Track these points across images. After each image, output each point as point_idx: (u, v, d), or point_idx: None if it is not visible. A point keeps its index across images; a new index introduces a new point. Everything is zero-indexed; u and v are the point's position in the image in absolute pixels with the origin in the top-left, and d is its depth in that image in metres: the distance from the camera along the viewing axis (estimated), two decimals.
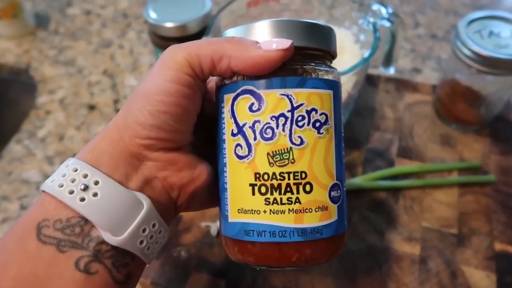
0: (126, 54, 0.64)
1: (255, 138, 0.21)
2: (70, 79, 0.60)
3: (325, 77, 0.22)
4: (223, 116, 0.22)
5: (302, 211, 0.21)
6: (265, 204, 0.21)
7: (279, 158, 0.21)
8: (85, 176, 0.20)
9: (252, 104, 0.21)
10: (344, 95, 0.39)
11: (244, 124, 0.21)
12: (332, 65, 0.24)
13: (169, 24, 0.44)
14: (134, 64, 0.63)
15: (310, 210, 0.21)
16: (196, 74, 0.22)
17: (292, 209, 0.21)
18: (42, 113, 0.56)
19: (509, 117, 0.48)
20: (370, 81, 0.53)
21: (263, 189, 0.21)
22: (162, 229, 0.22)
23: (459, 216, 0.40)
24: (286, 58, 0.21)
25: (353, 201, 0.41)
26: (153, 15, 0.45)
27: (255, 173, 0.21)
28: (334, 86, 0.22)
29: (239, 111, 0.22)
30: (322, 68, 0.22)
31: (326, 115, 0.22)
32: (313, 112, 0.21)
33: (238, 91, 0.22)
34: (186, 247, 0.38)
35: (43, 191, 0.21)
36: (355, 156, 0.45)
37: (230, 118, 0.22)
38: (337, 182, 0.22)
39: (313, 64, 0.22)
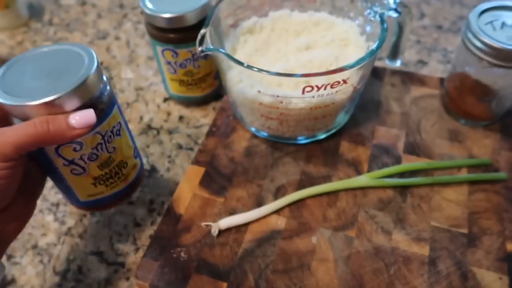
0: (122, 45, 0.62)
1: (85, 162, 0.32)
2: None
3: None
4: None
5: None
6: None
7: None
8: None
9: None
10: (349, 89, 0.37)
11: None
12: None
13: (166, 15, 0.42)
14: (130, 56, 0.61)
15: None
16: (9, 157, 0.27)
17: None
18: None
19: None
20: (375, 74, 0.51)
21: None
22: None
23: (469, 215, 0.38)
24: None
25: (359, 199, 0.40)
26: (149, 5, 0.43)
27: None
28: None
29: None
30: None
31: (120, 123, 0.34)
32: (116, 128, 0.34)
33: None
34: (186, 248, 0.37)
35: None
36: (361, 152, 0.43)
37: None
38: None
39: None
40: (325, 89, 0.35)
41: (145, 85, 0.57)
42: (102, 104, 0.31)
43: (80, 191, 0.34)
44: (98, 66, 0.30)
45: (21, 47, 0.63)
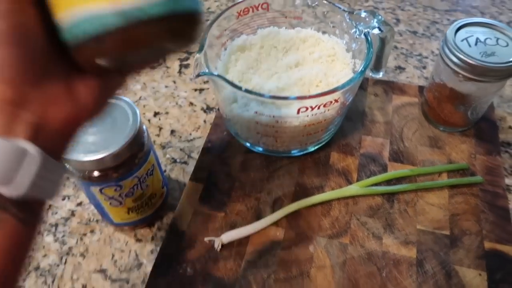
0: None
1: None
2: None
3: None
4: None
5: None
6: None
7: None
8: None
9: None
10: (340, 106, 0.40)
11: None
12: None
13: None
14: None
15: None
16: None
17: None
18: None
19: (492, 117, 0.50)
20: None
21: None
22: (55, 167, 0.21)
23: (450, 218, 0.42)
24: None
25: (350, 207, 0.42)
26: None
27: None
28: None
29: None
30: None
31: None
32: None
33: None
34: (191, 263, 0.38)
35: None
36: (350, 162, 0.46)
37: None
38: None
39: None
40: (318, 108, 0.37)
41: (134, 99, 0.57)
42: (142, 153, 0.37)
43: (115, 217, 0.41)
44: (141, 121, 0.36)
45: None
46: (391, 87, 0.54)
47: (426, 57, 0.63)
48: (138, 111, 0.37)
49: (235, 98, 0.41)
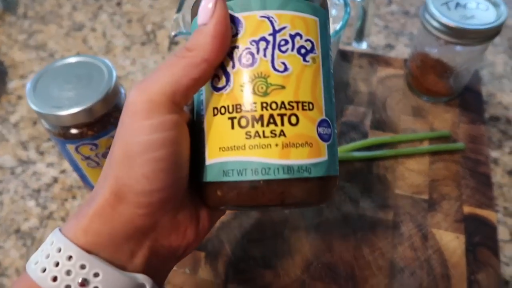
0: (99, 37, 0.63)
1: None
2: (42, 64, 0.59)
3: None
4: None
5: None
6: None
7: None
8: (83, 267, 0.17)
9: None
10: None
11: None
12: None
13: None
14: (107, 46, 0.62)
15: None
16: (180, 106, 0.19)
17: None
18: (14, 99, 0.55)
19: (477, 88, 0.49)
20: (344, 57, 0.53)
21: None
22: None
23: (430, 183, 0.41)
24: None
25: None
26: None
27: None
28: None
29: None
30: None
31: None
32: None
33: None
34: None
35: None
36: None
37: None
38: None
39: None
40: None
41: (123, 74, 0.58)
42: (118, 112, 0.37)
43: (94, 180, 0.41)
44: (117, 81, 0.37)
45: None
46: (376, 60, 0.53)
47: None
48: (114, 72, 0.37)
49: None
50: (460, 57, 0.43)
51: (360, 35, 0.48)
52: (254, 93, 0.19)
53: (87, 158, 0.38)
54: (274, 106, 0.19)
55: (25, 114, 0.53)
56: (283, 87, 0.19)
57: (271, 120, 0.19)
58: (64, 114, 0.34)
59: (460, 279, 0.35)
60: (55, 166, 0.48)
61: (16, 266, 0.40)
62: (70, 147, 0.37)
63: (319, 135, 0.20)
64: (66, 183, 0.46)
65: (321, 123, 0.20)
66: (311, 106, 0.19)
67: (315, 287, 0.35)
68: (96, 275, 0.17)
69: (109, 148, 0.38)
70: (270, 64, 0.19)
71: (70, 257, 0.17)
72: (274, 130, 0.19)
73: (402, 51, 0.61)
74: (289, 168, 0.19)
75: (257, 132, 0.19)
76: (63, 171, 0.47)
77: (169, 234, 0.20)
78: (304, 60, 0.19)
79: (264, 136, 0.19)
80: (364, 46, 0.49)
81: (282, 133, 0.19)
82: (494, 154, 0.46)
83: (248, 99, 0.19)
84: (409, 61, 0.49)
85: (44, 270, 0.17)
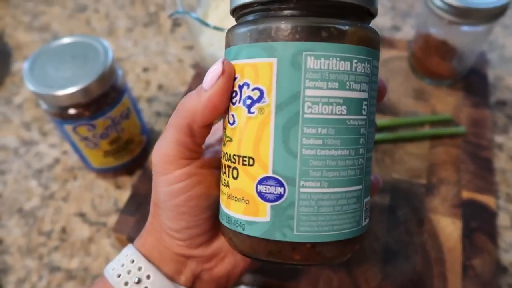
0: (102, 18, 0.63)
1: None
2: None
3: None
4: None
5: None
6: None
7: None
8: (139, 268, 0.22)
9: None
10: None
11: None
12: None
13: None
14: (110, 28, 0.62)
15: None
16: (188, 158, 0.21)
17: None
18: (18, 80, 0.55)
19: (483, 70, 0.48)
20: None
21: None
22: None
23: (428, 167, 0.40)
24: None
25: None
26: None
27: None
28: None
29: None
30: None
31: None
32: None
33: None
34: None
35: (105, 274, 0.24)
36: None
37: None
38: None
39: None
40: None
41: (125, 55, 0.58)
42: (114, 92, 0.38)
43: (93, 161, 0.42)
44: (113, 62, 0.37)
45: (1, 22, 0.63)
46: (380, 41, 0.52)
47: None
48: (110, 51, 0.37)
49: (211, 42, 0.40)
50: (464, 38, 0.42)
51: None
52: (223, 143, 0.20)
53: (85, 138, 0.39)
54: (226, 157, 0.20)
55: (28, 95, 0.53)
56: (231, 139, 0.19)
57: (225, 170, 0.20)
58: (61, 94, 0.35)
59: (455, 263, 0.34)
60: (57, 147, 0.48)
61: (18, 244, 0.41)
62: (68, 128, 0.38)
63: (259, 193, 0.18)
64: (68, 164, 0.47)
65: (263, 181, 0.18)
66: (251, 162, 0.18)
67: (306, 269, 0.35)
68: (148, 277, 0.22)
69: (106, 129, 0.39)
70: (227, 117, 0.20)
71: (132, 261, 0.23)
72: (225, 180, 0.20)
73: (408, 32, 0.59)
74: (228, 219, 0.20)
75: (223, 179, 0.20)
76: (64, 152, 0.48)
77: (208, 261, 0.23)
78: (249, 111, 0.18)
79: (223, 184, 0.20)
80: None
81: (227, 184, 0.20)
82: (498, 139, 0.45)
83: (222, 148, 0.21)
84: (412, 42, 0.48)
85: (113, 269, 0.23)
